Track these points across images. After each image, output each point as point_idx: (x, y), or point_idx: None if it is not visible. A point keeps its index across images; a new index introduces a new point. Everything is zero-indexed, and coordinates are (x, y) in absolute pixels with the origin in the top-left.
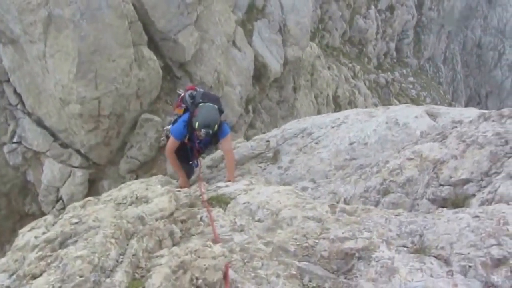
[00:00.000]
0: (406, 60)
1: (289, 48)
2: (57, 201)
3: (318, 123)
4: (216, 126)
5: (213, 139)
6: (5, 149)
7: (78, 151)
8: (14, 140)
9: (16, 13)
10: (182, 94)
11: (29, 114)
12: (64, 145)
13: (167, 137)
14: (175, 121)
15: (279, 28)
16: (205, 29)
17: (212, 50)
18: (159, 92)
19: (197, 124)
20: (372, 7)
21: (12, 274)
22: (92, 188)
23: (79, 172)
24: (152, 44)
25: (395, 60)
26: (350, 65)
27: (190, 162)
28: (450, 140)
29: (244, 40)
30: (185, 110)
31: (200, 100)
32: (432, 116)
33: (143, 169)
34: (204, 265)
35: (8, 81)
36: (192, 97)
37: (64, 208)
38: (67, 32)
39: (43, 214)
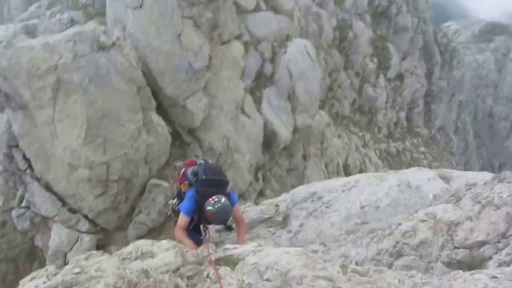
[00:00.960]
0: (417, 129)
1: (299, 116)
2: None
3: (328, 187)
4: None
5: None
6: (13, 213)
7: (86, 217)
8: (23, 205)
9: (25, 79)
10: (184, 170)
11: (38, 179)
12: (72, 210)
13: (173, 211)
14: (178, 195)
15: (288, 95)
16: (213, 95)
17: (221, 116)
18: (168, 157)
19: (211, 220)
20: (381, 75)
21: None
22: None
23: (87, 238)
24: (161, 110)
25: (405, 130)
26: (360, 134)
27: (201, 237)
28: (465, 202)
29: (253, 107)
30: (189, 185)
31: (204, 176)
32: (445, 179)
33: (151, 235)
34: None
35: (17, 146)
36: (195, 174)
37: None
38: (76, 97)
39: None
